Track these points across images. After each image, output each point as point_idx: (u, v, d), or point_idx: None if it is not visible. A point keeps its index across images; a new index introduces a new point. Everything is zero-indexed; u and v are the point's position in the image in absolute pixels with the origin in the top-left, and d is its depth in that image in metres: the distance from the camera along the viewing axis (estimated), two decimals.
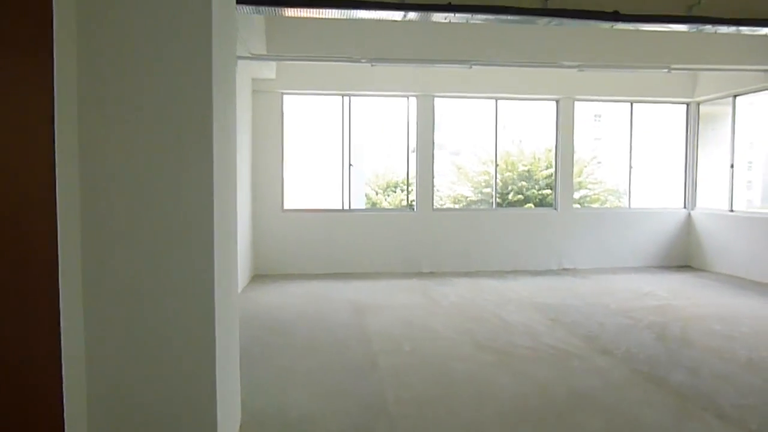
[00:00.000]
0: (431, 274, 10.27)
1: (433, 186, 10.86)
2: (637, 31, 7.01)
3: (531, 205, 15.37)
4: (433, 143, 10.78)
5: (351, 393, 4.74)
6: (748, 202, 11.50)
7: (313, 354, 5.78)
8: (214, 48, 2.94)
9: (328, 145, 11.07)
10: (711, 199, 11.07)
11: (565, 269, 10.83)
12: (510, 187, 20.25)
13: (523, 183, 20.11)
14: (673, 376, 5.13)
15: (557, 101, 10.86)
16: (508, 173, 20.20)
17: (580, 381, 5.04)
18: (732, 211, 10.47)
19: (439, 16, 6.04)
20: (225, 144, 3.32)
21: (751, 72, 9.48)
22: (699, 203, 11.34)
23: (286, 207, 10.47)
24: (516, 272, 10.53)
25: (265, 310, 7.64)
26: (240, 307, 7.74)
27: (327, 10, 6.15)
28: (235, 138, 3.68)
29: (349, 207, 10.71)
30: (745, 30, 6.78)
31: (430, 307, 7.86)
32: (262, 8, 5.89)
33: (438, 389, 4.83)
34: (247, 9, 6.04)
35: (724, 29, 6.67)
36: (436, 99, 10.57)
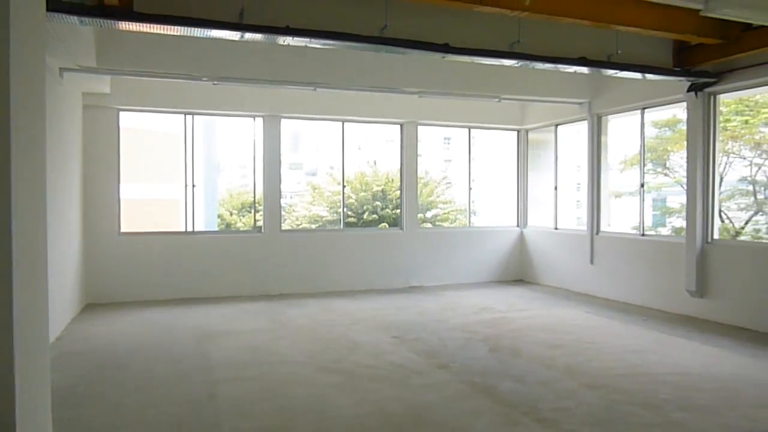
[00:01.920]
0: (280, 297, 10.12)
1: (280, 207, 10.74)
2: (472, 63, 7.51)
3: (385, 224, 15.77)
4: (280, 163, 10.69)
5: (184, 427, 4.49)
6: (577, 219, 12.69)
7: (148, 388, 5.41)
8: (12, 58, 2.67)
9: (171, 165, 10.58)
10: (540, 218, 12.08)
11: (412, 287, 11.21)
12: (365, 207, 20.75)
13: (378, 203, 20.71)
14: (502, 385, 5.47)
15: (401, 125, 11.29)
16: (363, 193, 20.69)
17: (418, 397, 5.20)
18: (557, 228, 11.53)
19: (277, 39, 6.03)
20: (30, 161, 3.01)
21: (570, 104, 10.56)
22: (530, 222, 12.34)
23: (123, 230, 9.77)
24: (366, 292, 10.70)
25: (96, 344, 7.03)
26: (67, 341, 7.07)
27: (162, 26, 5.89)
28: (44, 155, 3.35)
29: (193, 229, 10.25)
30: (560, 67, 7.56)
31: (277, 330, 7.72)
32: (86, 19, 5.49)
33: (279, 416, 4.73)
34: (72, 19, 5.60)
35: (541, 65, 7.38)
36: (282, 120, 10.51)
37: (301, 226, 19.67)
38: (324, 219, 20.74)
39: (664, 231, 14.19)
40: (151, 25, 5.83)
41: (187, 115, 10.02)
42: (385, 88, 9.28)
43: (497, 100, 10.10)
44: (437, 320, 8.35)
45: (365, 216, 20.23)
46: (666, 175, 14.24)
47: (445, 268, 11.61)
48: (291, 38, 6.00)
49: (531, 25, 7.13)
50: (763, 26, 6.35)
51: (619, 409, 4.87)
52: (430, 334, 7.53)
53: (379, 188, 20.48)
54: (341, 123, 10.97)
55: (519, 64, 7.37)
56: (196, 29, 5.88)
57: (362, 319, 8.43)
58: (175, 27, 5.84)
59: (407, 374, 5.83)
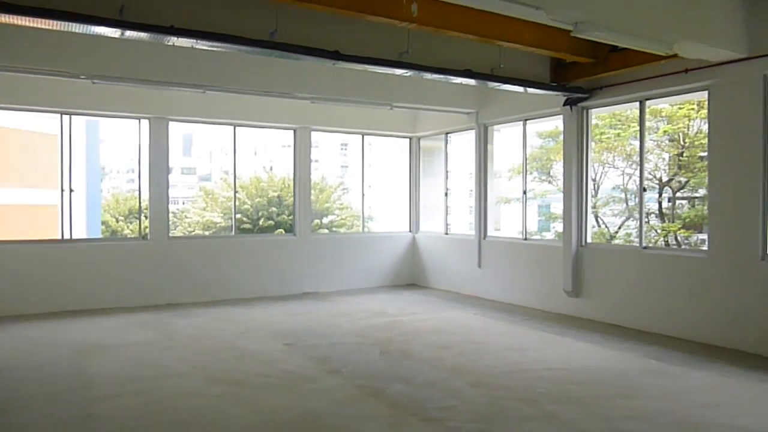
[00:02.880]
0: (168, 307, 9.70)
1: (168, 213, 10.30)
2: (365, 70, 7.64)
3: (282, 230, 15.52)
4: (168, 168, 10.27)
5: None
6: (470, 225, 13.16)
7: (15, 412, 5.00)
8: None
9: (48, 169, 9.87)
10: (433, 224, 12.43)
11: (306, 294, 11.15)
12: (261, 213, 20.39)
13: (274, 209, 20.42)
14: (391, 387, 5.58)
15: (295, 130, 11.23)
16: (258, 199, 20.32)
17: (309, 403, 5.19)
18: (447, 233, 11.94)
19: (161, 39, 5.82)
20: None
21: (459, 114, 10.99)
22: (422, 227, 12.67)
23: None
24: (258, 299, 10.51)
25: None
26: None
27: (35, 20, 5.50)
28: None
29: (71, 236, 9.61)
30: (447, 78, 7.87)
31: (163, 342, 7.41)
32: None
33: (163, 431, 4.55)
34: None
35: (429, 76, 7.65)
36: (171, 122, 10.11)
37: (194, 233, 19.01)
38: (218, 225, 20.16)
39: (549, 235, 15.10)
40: (24, 18, 5.43)
41: (63, 115, 9.38)
42: (277, 92, 9.22)
43: (389, 107, 10.32)
44: (330, 326, 8.37)
45: (261, 222, 19.89)
46: (550, 182, 15.16)
47: (339, 274, 11.66)
48: (176, 38, 5.81)
49: (419, 36, 7.36)
50: (627, 48, 6.93)
51: (500, 405, 5.12)
52: (323, 339, 7.54)
53: (276, 194, 20.23)
54: (233, 127, 10.73)
55: (409, 74, 7.59)
56: (72, 24, 5.54)
57: (254, 327, 8.28)
58: (49, 21, 5.48)
59: (298, 381, 5.80)
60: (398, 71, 7.47)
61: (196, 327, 8.26)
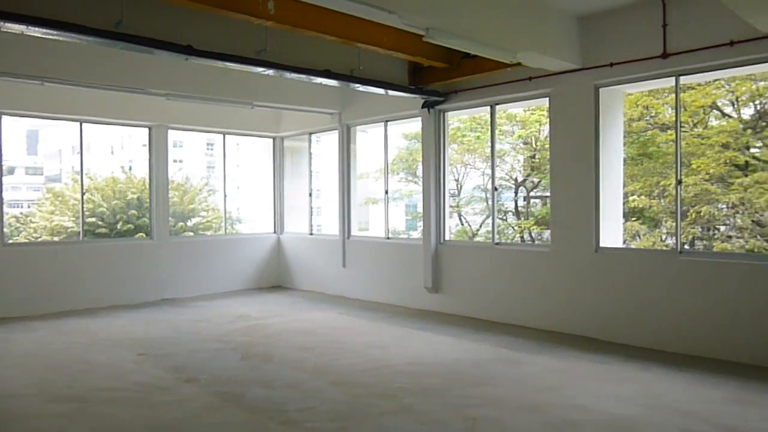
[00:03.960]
0: (4, 321, 8.75)
1: (3, 217, 9.26)
2: (224, 67, 7.38)
3: (143, 234, 14.61)
4: (1, 168, 9.22)
5: None
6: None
7: None
8: None
9: None
10: (299, 224, 12.32)
11: (165, 300, 10.58)
12: (119, 216, 19.04)
13: (134, 211, 19.17)
14: (251, 392, 5.45)
15: (150, 128, 10.61)
16: (116, 201, 18.95)
17: (162, 415, 4.92)
18: (312, 234, 11.91)
19: None
20: None
21: (322, 114, 11.00)
22: (287, 228, 12.52)
23: None
24: (112, 308, 9.80)
25: None
26: None
27: None
28: None
29: None
30: (307, 78, 7.83)
31: None
32: None
33: None
34: None
35: (289, 75, 7.58)
36: (3, 116, 9.12)
37: (41, 239, 17.35)
38: (69, 230, 18.56)
39: (416, 234, 15.59)
40: None
41: None
42: (128, 87, 8.65)
43: (250, 106, 10.09)
44: (189, 332, 8.01)
45: (120, 226, 18.61)
46: (416, 183, 15.64)
47: (200, 278, 11.20)
48: (2, 22, 5.25)
49: (278, 34, 7.26)
50: (477, 55, 7.32)
51: (359, 402, 5.18)
52: (180, 347, 7.19)
53: (135, 195, 19.04)
54: (79, 123, 9.91)
55: (268, 72, 7.46)
56: None
57: (104, 338, 7.71)
58: None
59: (151, 393, 5.48)
60: (257, 69, 7.33)
61: (35, 342, 7.53)
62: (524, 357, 6.66)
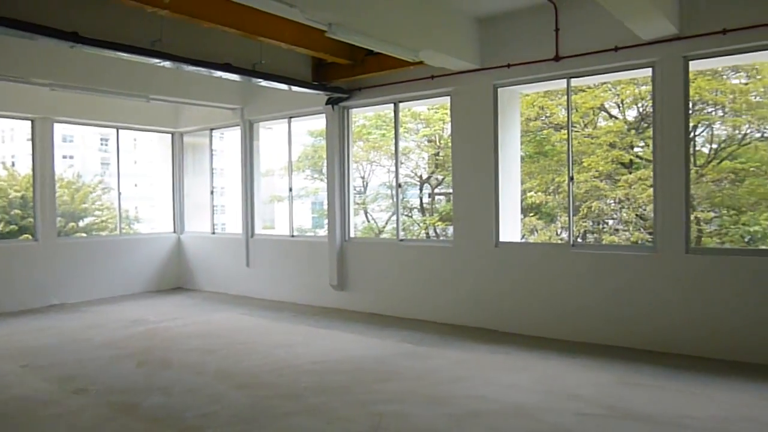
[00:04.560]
0: None
1: None
2: (117, 57, 6.94)
3: (29, 235, 13.51)
4: None
5: None
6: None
7: None
8: None
9: None
10: (201, 223, 11.87)
11: (53, 306, 9.86)
12: (0, 216, 17.51)
13: (18, 211, 17.71)
14: (148, 400, 5.18)
15: (33, 121, 9.82)
16: None
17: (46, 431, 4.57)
18: (214, 233, 11.53)
19: None
20: None
21: (224, 109, 10.66)
22: (188, 227, 12.04)
23: None
24: None
25: None
26: None
27: None
28: None
29: None
30: (206, 71, 7.55)
31: None
32: None
33: None
34: None
35: (187, 67, 7.26)
36: None
37: None
38: None
39: (323, 232, 15.49)
40: None
41: None
42: (7, 76, 7.94)
43: (146, 99, 9.58)
44: (79, 340, 7.51)
45: (0, 227, 17.19)
46: (322, 180, 15.51)
47: (94, 282, 10.53)
48: None
49: (175, 24, 6.92)
50: (381, 53, 7.36)
51: (263, 404, 5.06)
52: (69, 356, 6.72)
53: (19, 194, 17.63)
54: None
55: (164, 64, 7.12)
56: None
57: None
58: None
59: (34, 407, 5.07)
60: (152, 60, 6.96)
61: None
62: (428, 351, 6.78)
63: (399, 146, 9.03)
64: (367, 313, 8.96)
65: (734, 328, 6.15)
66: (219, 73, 7.70)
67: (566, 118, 7.68)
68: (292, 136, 10.37)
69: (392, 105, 8.83)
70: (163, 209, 12.21)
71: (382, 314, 8.81)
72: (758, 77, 10.56)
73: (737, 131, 11.00)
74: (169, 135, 12.03)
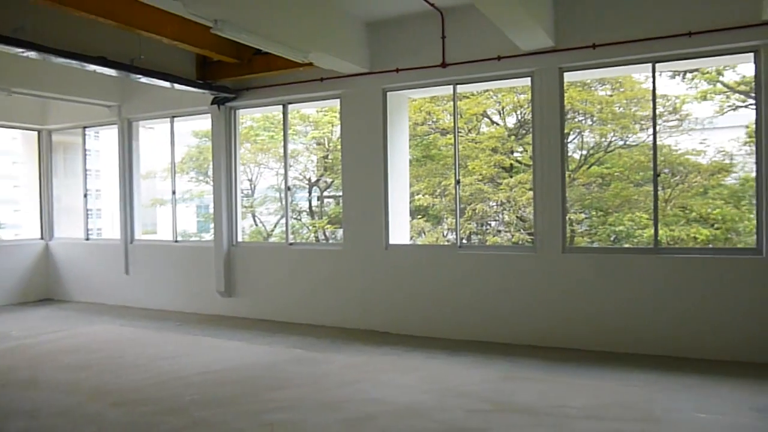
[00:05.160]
0: None
1: None
2: None
3: None
4: None
5: None
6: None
7: None
8: None
9: None
10: (73, 229, 10.99)
11: None
12: None
13: None
14: (9, 427, 4.69)
15: None
16: None
17: None
18: (88, 239, 10.73)
19: None
20: None
21: (99, 106, 9.94)
22: (58, 233, 11.11)
23: None
24: None
25: None
26: None
27: None
28: None
29: None
30: (78, 64, 6.96)
31: None
32: None
33: None
34: None
35: (56, 59, 6.60)
36: None
37: None
38: None
39: (209, 236, 14.88)
40: None
41: None
42: None
43: (7, 93, 8.71)
44: None
45: None
46: (207, 183, 14.91)
47: None
48: None
49: (42, 12, 6.37)
50: (270, 52, 7.18)
51: (145, 421, 4.75)
52: None
53: None
54: None
55: (27, 54, 6.49)
56: None
57: None
58: None
59: None
60: (14, 50, 6.34)
61: None
62: (319, 356, 6.71)
63: (288, 148, 8.88)
64: (257, 319, 8.72)
65: (605, 321, 6.63)
66: (93, 67, 7.16)
67: (452, 123, 7.91)
68: (176, 137, 9.88)
69: (281, 106, 8.67)
70: (30, 214, 11.17)
71: (272, 320, 8.61)
72: (621, 90, 11.50)
73: (604, 139, 11.89)
74: (35, 133, 11.04)
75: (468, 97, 12.09)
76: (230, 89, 8.74)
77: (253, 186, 15.54)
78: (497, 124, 12.90)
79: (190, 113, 9.52)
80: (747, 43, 6.09)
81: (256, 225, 15.59)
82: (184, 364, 6.39)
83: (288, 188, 8.87)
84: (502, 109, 12.68)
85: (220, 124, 8.95)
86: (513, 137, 12.52)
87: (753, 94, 6.46)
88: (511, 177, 12.02)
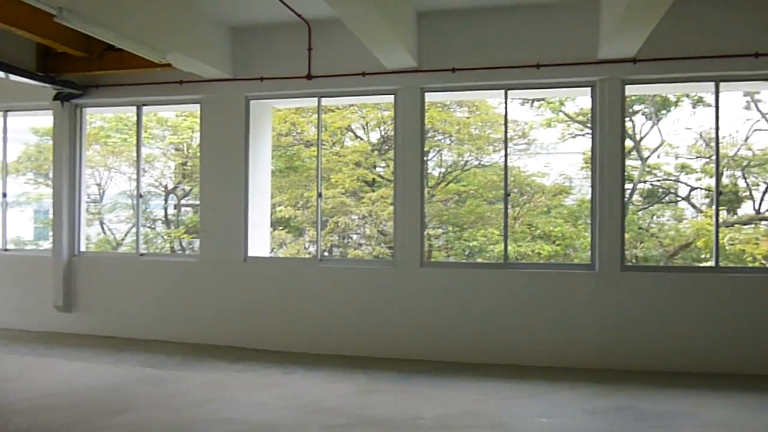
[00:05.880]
0: None
1: None
2: None
3: None
4: None
5: None
6: None
7: None
8: None
9: None
10: None
11: None
12: None
13: None
14: None
15: None
16: None
17: None
18: None
19: None
20: None
21: None
22: None
23: None
24: None
25: None
26: None
27: None
28: None
29: None
30: None
31: None
32: None
33: None
34: None
35: None
36: None
37: None
38: None
39: (47, 244, 13.49)
40: None
41: None
42: None
43: None
44: None
45: None
46: (48, 185, 13.58)
47: None
48: None
49: None
50: (123, 49, 6.68)
51: None
52: None
53: None
54: None
55: None
56: None
57: None
58: None
59: None
60: None
61: None
62: (170, 374, 6.31)
63: (142, 153, 8.34)
64: (101, 336, 8.03)
65: (460, 333, 6.92)
66: None
67: (316, 136, 7.89)
68: (10, 133, 8.88)
69: (135, 108, 8.12)
70: None
71: (119, 337, 7.97)
72: (478, 113, 12.20)
73: (461, 158, 12.52)
74: None
75: (333, 111, 12.16)
76: (76, 85, 8.03)
77: (102, 191, 14.42)
78: (361, 139, 13.10)
79: (29, 108, 8.64)
80: (585, 78, 6.75)
81: (105, 233, 14.46)
82: (10, 390, 5.70)
83: (141, 195, 8.31)
84: (367, 125, 12.91)
85: (63, 122, 8.18)
86: (376, 152, 12.77)
87: (590, 125, 7.13)
88: (374, 191, 12.24)
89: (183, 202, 14.63)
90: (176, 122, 13.51)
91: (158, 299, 7.89)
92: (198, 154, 8.06)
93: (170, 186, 14.32)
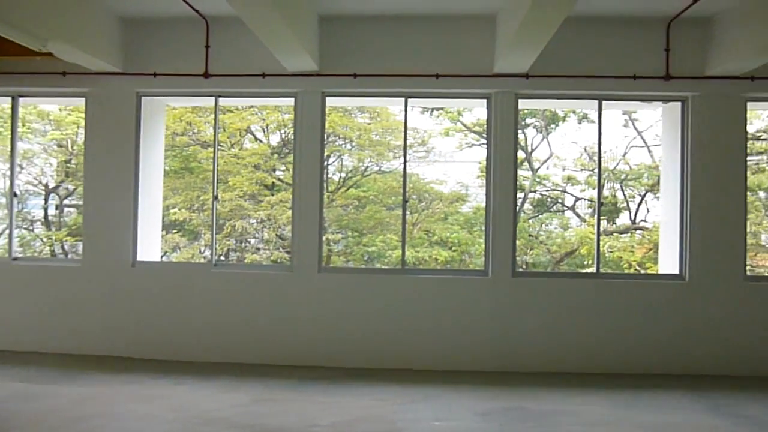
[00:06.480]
0: None
1: None
2: None
3: None
4: None
5: None
6: None
7: None
8: None
9: None
10: None
11: None
12: None
13: None
14: None
15: None
16: None
17: None
18: None
19: None
20: None
21: None
22: None
23: None
24: None
25: None
26: None
27: None
28: None
29: None
30: None
31: None
32: None
33: None
34: None
35: None
36: None
37: None
38: None
39: None
40: None
41: None
42: None
43: None
44: None
45: None
46: None
47: None
48: None
49: None
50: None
51: None
52: None
53: None
54: None
55: None
56: None
57: None
58: None
59: None
60: None
61: None
62: (46, 389, 5.82)
63: (17, 148, 7.67)
64: None
65: (358, 339, 6.92)
66: None
67: (213, 137, 7.62)
68: None
69: (10, 99, 7.46)
70: None
71: None
72: (379, 119, 12.31)
73: (361, 163, 12.58)
74: None
75: (232, 111, 11.82)
76: None
77: None
78: (261, 141, 12.84)
79: None
80: (481, 90, 6.99)
81: None
82: None
83: (15, 194, 7.64)
84: (266, 127, 12.66)
85: None
86: (276, 155, 12.56)
87: (485, 135, 7.39)
88: (273, 195, 12.01)
89: (66, 202, 13.66)
90: (59, 116, 12.59)
91: (35, 307, 7.27)
92: (83, 151, 7.52)
93: (51, 185, 13.33)
